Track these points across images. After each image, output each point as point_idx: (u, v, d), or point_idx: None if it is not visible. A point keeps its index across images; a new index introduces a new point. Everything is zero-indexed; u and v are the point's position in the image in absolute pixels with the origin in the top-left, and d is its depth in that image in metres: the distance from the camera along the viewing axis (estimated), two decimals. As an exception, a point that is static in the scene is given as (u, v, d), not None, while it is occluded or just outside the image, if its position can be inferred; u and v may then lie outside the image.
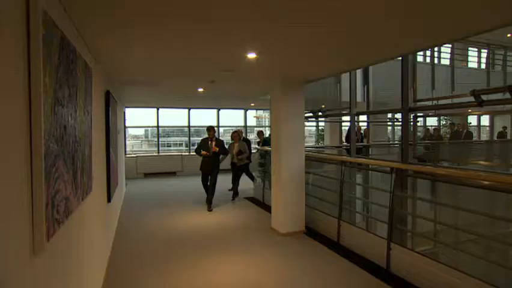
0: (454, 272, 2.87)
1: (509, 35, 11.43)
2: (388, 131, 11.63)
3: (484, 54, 11.43)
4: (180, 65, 3.87)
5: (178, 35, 2.66)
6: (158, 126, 11.90)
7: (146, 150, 15.81)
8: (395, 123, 10.87)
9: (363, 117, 9.27)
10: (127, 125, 11.02)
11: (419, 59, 9.45)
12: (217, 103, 11.13)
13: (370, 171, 5.36)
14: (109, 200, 4.13)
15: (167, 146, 15.94)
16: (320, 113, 7.12)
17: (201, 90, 6.28)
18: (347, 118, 7.06)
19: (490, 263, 2.82)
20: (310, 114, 7.32)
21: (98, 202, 3.31)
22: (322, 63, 3.93)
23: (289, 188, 4.92)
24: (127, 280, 3.47)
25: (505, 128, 12.06)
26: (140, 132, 21.21)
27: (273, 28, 2.49)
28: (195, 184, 8.54)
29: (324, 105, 9.32)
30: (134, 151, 13.91)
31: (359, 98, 8.89)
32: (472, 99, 3.61)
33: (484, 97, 3.32)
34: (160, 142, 12.02)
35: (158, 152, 11.89)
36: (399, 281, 3.33)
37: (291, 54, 3.39)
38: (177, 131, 17.17)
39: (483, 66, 11.55)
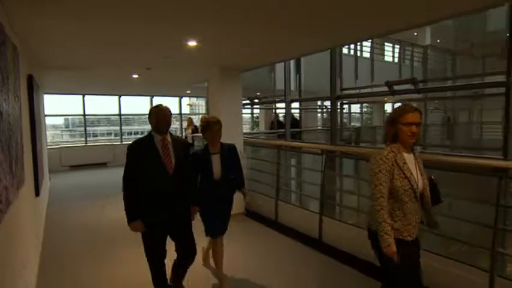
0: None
1: (416, 34, 13.05)
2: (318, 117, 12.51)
3: (397, 50, 12.91)
4: (115, 50, 3.73)
5: (112, 19, 2.59)
6: (84, 115, 11.03)
7: (68, 141, 14.53)
8: (324, 110, 11.77)
9: (294, 105, 9.84)
10: (45, 113, 10.01)
11: (345, 51, 10.30)
12: (151, 90, 10.73)
13: (303, 154, 5.81)
14: (37, 194, 3.84)
15: (93, 136, 14.81)
16: (255, 100, 7.40)
17: (135, 76, 6.04)
18: (281, 105, 7.46)
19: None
20: (247, 101, 7.56)
21: (29, 196, 3.10)
22: (259, 53, 4.14)
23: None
24: (59, 275, 3.35)
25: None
26: (59, 121, 19.35)
27: (213, 18, 2.60)
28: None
29: (259, 93, 9.67)
30: (56, 142, 12.73)
31: (291, 87, 9.41)
32: (386, 89, 4.19)
33: (396, 87, 3.90)
34: (86, 132, 11.18)
35: (86, 142, 11.08)
36: (330, 248, 3.78)
37: (231, 43, 3.52)
38: (103, 119, 16.02)
39: (396, 60, 13.05)
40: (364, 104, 13.83)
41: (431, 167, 2.54)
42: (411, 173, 2.00)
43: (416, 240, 2.07)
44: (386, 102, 14.35)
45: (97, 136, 16.22)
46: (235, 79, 5.08)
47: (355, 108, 13.73)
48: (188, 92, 11.06)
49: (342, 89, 5.36)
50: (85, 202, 6.18)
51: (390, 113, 2.18)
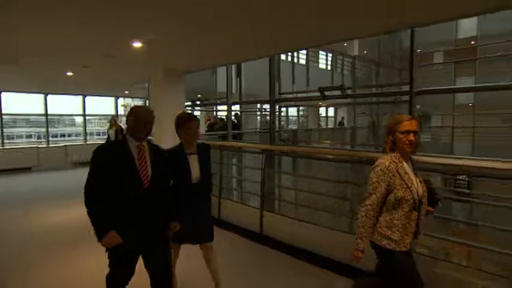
0: (311, 226, 3.74)
1: (345, 44, 14.29)
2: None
3: (329, 58, 14.00)
4: (49, 45, 3.55)
5: (44, 11, 2.49)
6: (1, 115, 9.89)
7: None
8: (263, 112, 12.25)
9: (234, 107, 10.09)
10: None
11: (282, 57, 10.87)
12: (85, 89, 10.08)
13: (244, 154, 6.06)
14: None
15: (8, 139, 13.12)
16: (197, 102, 7.47)
17: (70, 74, 5.69)
18: (223, 108, 7.64)
19: (337, 217, 3.86)
20: (189, 103, 7.59)
21: None
22: (203, 56, 4.27)
23: (172, 173, 5.12)
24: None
25: (343, 118, 15.21)
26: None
27: (157, 18, 2.68)
28: (56, 178, 7.67)
29: (200, 95, 9.73)
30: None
31: (233, 90, 9.65)
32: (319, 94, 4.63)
33: (327, 93, 4.36)
34: (2, 133, 10.01)
35: (3, 145, 9.94)
36: (270, 240, 4.06)
37: (176, 45, 3.60)
38: (21, 120, 14.40)
39: (329, 67, 14.14)
40: (300, 108, 14.69)
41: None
42: (412, 183, 1.97)
43: (410, 251, 2.06)
44: (320, 106, 15.45)
45: (13, 139, 14.46)
46: (179, 80, 5.14)
47: (292, 111, 14.51)
48: (126, 92, 10.63)
49: (280, 93, 5.75)
50: (8, 211, 5.63)
51: (388, 122, 2.14)
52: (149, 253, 2.19)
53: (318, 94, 4.86)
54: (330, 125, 17.08)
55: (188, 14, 2.55)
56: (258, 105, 12.85)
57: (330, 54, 14.01)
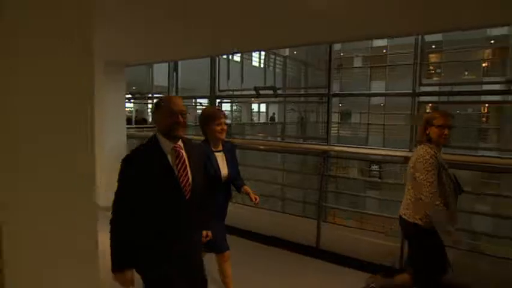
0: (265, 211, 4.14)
1: (278, 44, 15.05)
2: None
3: (262, 57, 14.71)
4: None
5: None
6: None
7: None
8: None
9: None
10: None
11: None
12: None
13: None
14: None
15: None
16: (137, 95, 7.39)
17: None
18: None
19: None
20: (129, 95, 7.47)
21: None
22: (144, 51, 4.39)
23: (112, 164, 5.10)
24: None
25: (274, 113, 16.24)
26: None
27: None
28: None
29: (134, 87, 9.52)
30: None
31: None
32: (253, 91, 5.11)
33: (262, 92, 4.85)
34: None
35: None
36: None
37: (117, 38, 3.65)
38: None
39: (262, 65, 14.86)
40: (234, 103, 15.19)
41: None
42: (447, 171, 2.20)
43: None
44: (253, 103, 16.14)
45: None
46: (119, 73, 5.13)
47: (226, 106, 14.92)
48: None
49: (219, 90, 6.05)
50: None
51: (425, 115, 2.38)
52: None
53: (252, 92, 5.30)
54: (263, 120, 17.90)
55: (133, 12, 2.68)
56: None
57: (263, 53, 14.73)
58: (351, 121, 16.02)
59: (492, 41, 13.22)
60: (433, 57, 14.20)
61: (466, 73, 13.67)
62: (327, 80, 3.94)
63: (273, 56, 14.59)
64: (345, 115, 16.33)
